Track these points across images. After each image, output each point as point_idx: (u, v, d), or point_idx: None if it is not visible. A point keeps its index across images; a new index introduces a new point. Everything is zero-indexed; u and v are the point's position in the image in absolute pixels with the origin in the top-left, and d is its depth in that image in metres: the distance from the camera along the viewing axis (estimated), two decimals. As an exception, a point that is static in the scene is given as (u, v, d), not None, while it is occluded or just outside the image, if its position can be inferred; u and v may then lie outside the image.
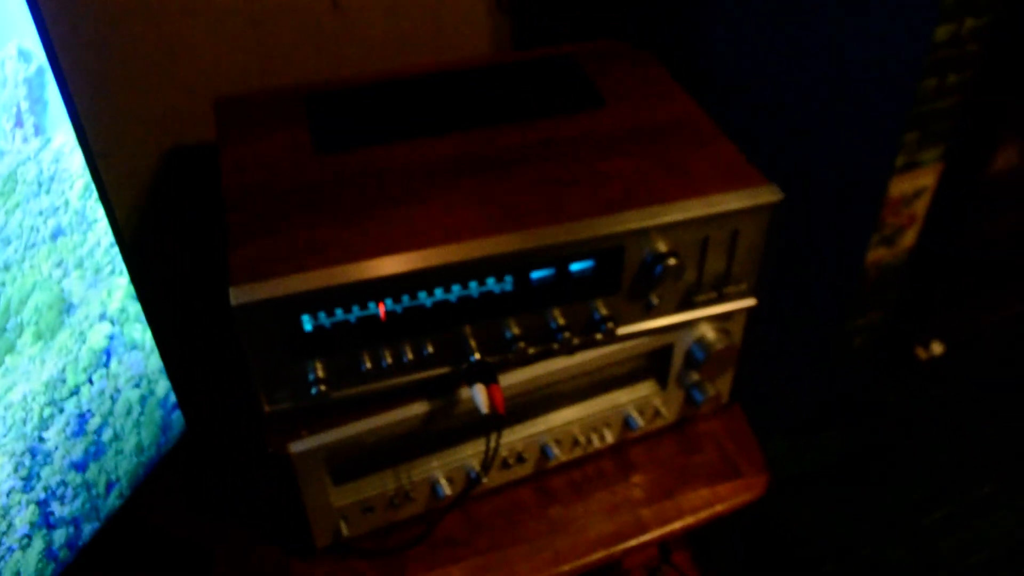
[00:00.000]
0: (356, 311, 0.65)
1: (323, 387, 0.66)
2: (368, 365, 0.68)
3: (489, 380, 0.68)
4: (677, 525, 0.79)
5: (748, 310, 0.78)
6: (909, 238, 1.14)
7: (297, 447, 0.68)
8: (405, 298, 0.66)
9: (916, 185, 1.08)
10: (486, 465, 0.73)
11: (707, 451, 0.85)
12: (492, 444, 0.70)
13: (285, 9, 0.88)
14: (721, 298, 0.75)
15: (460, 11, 0.97)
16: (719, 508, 0.81)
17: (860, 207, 1.05)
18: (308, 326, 0.64)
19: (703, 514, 0.80)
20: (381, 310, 0.65)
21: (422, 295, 0.66)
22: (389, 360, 0.68)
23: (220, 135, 0.78)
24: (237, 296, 0.61)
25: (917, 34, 0.91)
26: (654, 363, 0.81)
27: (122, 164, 0.88)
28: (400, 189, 0.71)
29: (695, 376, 0.81)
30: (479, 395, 0.67)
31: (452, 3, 0.96)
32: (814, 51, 0.91)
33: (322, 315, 0.64)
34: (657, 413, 0.83)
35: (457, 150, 0.75)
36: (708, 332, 0.78)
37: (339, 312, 0.64)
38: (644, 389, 0.82)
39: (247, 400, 0.68)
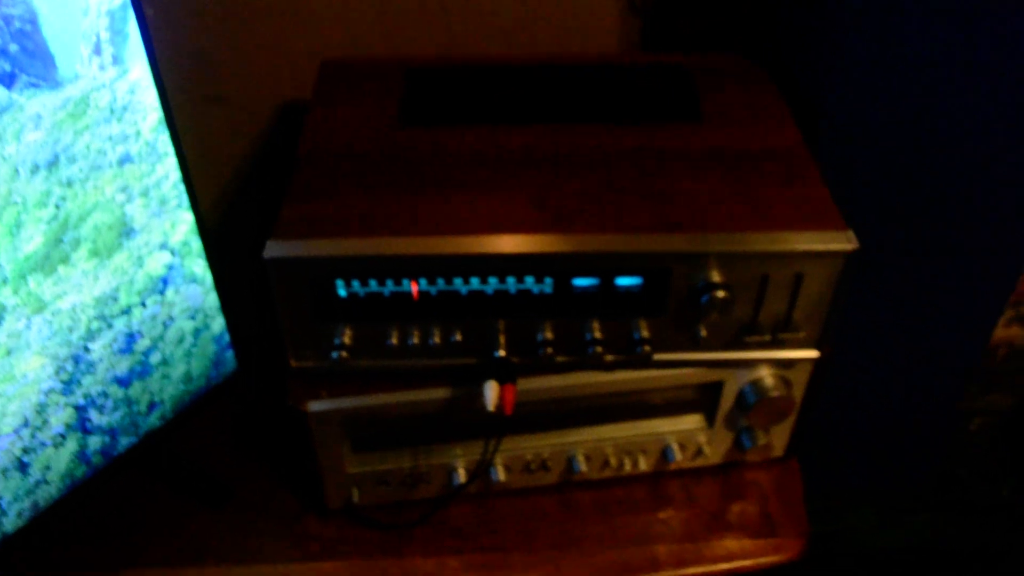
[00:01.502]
0: (390, 285, 0.65)
1: (344, 353, 0.67)
2: (394, 341, 0.68)
3: (506, 379, 0.67)
4: (691, 571, 0.75)
5: (814, 364, 0.73)
6: (1051, 321, 1.02)
7: (315, 406, 0.70)
8: (440, 281, 0.65)
9: (1066, 263, 0.96)
10: (480, 468, 0.72)
11: (748, 501, 0.80)
12: (492, 445, 0.68)
13: (412, -20, 0.89)
14: (775, 343, 0.70)
15: (592, 7, 0.95)
16: (742, 563, 0.76)
17: (991, 276, 0.94)
18: (342, 292, 0.65)
19: (723, 566, 0.75)
20: (413, 289, 0.65)
21: (457, 281, 0.65)
22: (416, 340, 0.68)
23: (316, 94, 0.80)
24: (271, 250, 0.63)
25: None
26: (703, 398, 0.77)
27: (236, 109, 0.92)
28: (466, 172, 0.71)
29: (745, 420, 0.76)
30: (489, 392, 0.65)
31: (585, -1, 0.94)
32: (955, 101, 0.82)
33: (356, 283, 0.65)
34: (700, 451, 0.79)
35: (534, 142, 0.74)
36: (765, 377, 0.73)
37: (373, 283, 0.65)
38: (689, 423, 0.78)
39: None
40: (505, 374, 0.67)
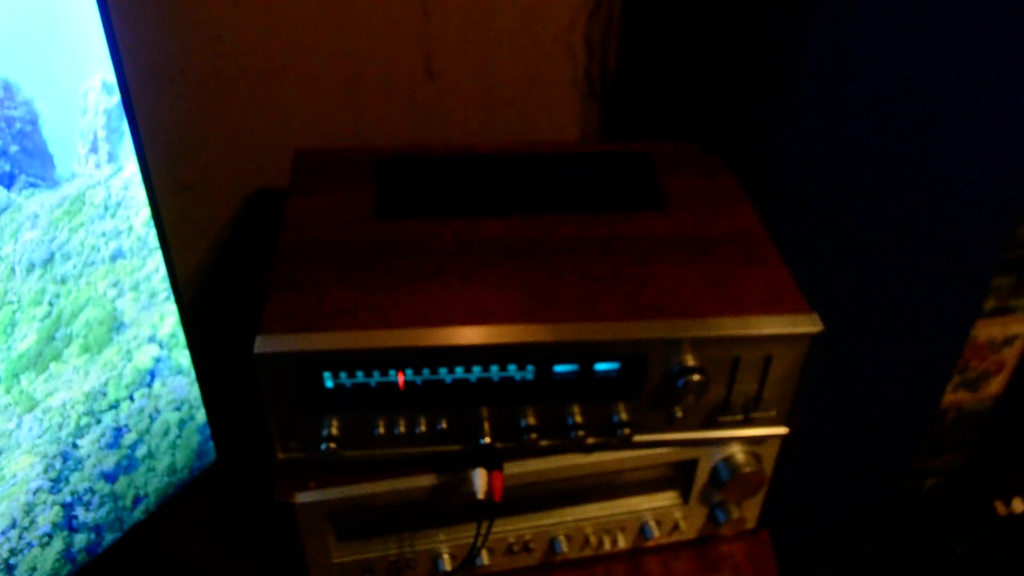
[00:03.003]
0: (376, 376, 0.67)
1: (333, 444, 0.68)
2: (381, 431, 0.70)
3: (493, 466, 0.69)
4: (674, 646, 0.77)
5: (783, 439, 0.76)
6: (996, 385, 1.08)
7: (303, 498, 0.71)
8: (425, 371, 0.67)
9: (1007, 331, 1.02)
10: (472, 552, 0.73)
11: (724, 574, 0.82)
12: (483, 530, 0.70)
13: (380, 73, 0.93)
14: (748, 422, 0.73)
15: (552, 95, 1.00)
16: (722, 637, 0.78)
17: (940, 346, 1.00)
18: (329, 383, 0.67)
19: (704, 640, 0.77)
20: (400, 379, 0.67)
21: (442, 371, 0.67)
22: (402, 429, 0.70)
23: (292, 184, 0.83)
24: (261, 345, 0.64)
25: (1016, 173, 0.87)
26: (678, 475, 0.79)
27: (208, 197, 0.94)
28: (444, 264, 0.73)
29: (719, 495, 0.79)
30: (478, 479, 0.67)
31: (545, 85, 0.99)
32: (900, 179, 0.88)
33: (343, 375, 0.66)
34: (676, 527, 0.81)
35: (508, 233, 0.77)
36: (737, 454, 0.76)
37: (360, 375, 0.67)
38: (665, 500, 0.81)
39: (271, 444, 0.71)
40: (492, 461, 0.69)
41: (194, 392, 0.77)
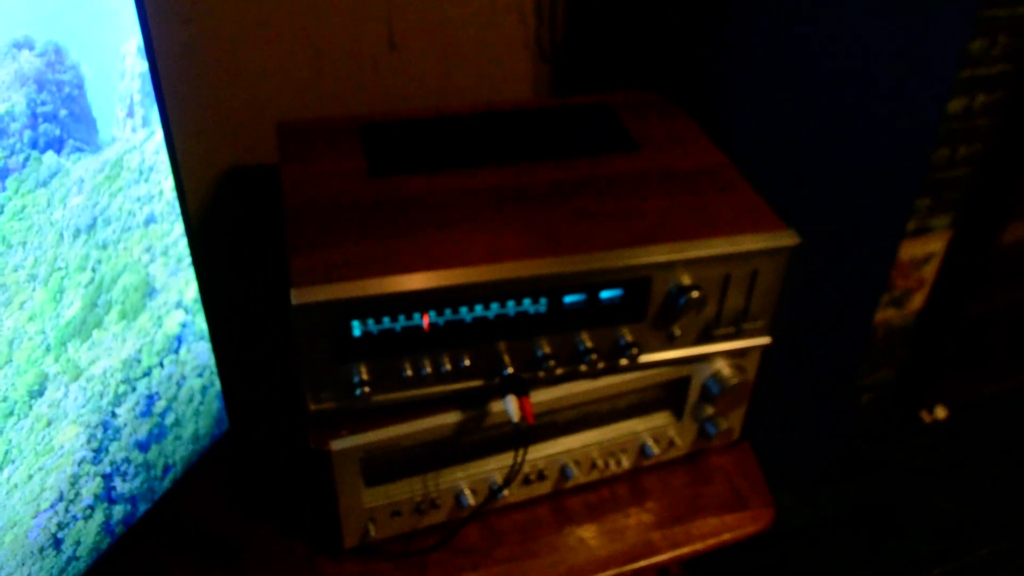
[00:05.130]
0: (402, 320, 0.71)
1: (366, 389, 0.72)
2: (409, 372, 0.74)
3: (521, 393, 0.74)
4: (686, 549, 0.83)
5: (763, 349, 0.84)
6: (917, 301, 1.20)
7: (338, 445, 0.74)
8: (447, 311, 0.72)
9: (926, 250, 1.14)
10: (512, 475, 0.78)
11: (717, 483, 0.90)
12: (519, 456, 0.75)
13: (346, 47, 0.97)
14: (739, 334, 0.80)
15: (507, 58, 1.05)
16: (726, 537, 0.85)
17: (871, 267, 1.10)
18: (357, 331, 0.70)
19: (711, 541, 0.84)
20: (424, 321, 0.71)
21: (463, 310, 0.72)
22: (428, 369, 0.74)
23: (282, 155, 0.85)
24: (298, 297, 0.67)
25: (931, 105, 0.98)
26: (671, 394, 0.86)
27: (185, 178, 0.95)
28: (446, 212, 0.78)
29: (709, 410, 0.86)
30: (511, 404, 0.72)
31: (499, 51, 1.04)
32: (833, 116, 0.98)
33: (371, 322, 0.70)
34: (672, 443, 0.88)
35: (500, 181, 0.82)
36: (723, 367, 0.84)
37: (386, 320, 0.71)
38: (661, 419, 0.88)
39: (288, 403, 0.74)
40: (519, 387, 0.74)
41: (213, 358, 0.79)
